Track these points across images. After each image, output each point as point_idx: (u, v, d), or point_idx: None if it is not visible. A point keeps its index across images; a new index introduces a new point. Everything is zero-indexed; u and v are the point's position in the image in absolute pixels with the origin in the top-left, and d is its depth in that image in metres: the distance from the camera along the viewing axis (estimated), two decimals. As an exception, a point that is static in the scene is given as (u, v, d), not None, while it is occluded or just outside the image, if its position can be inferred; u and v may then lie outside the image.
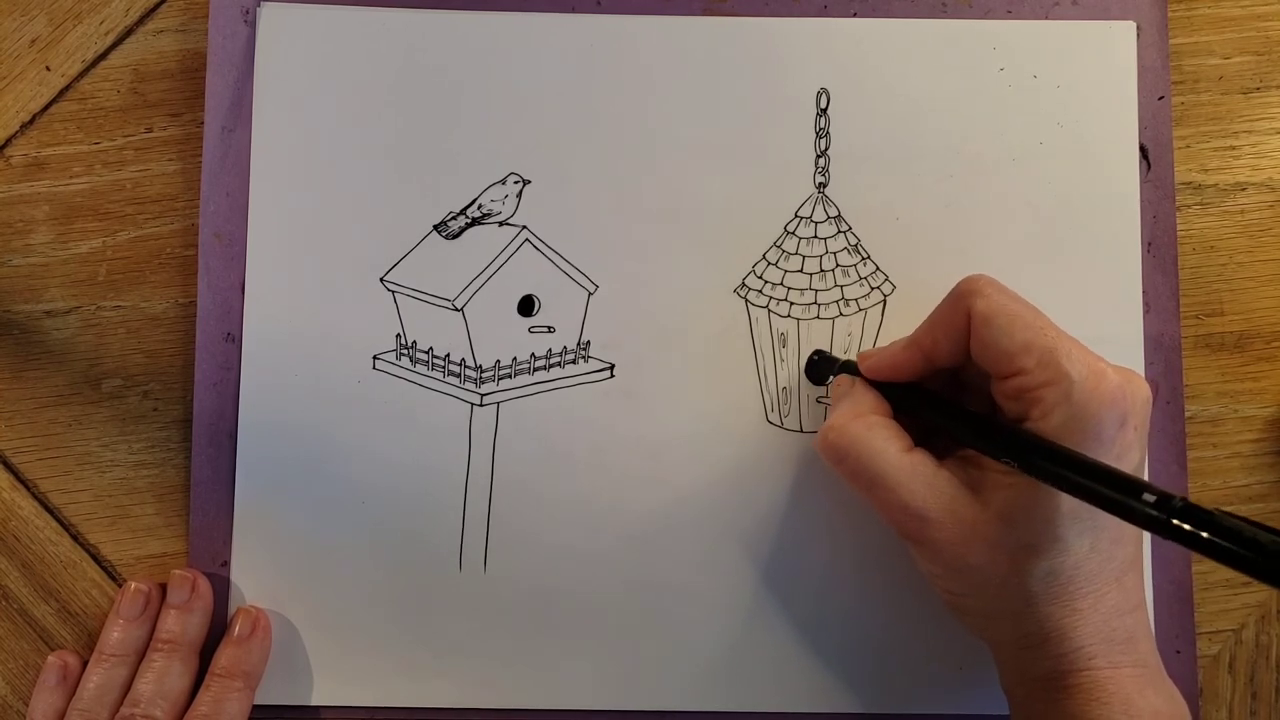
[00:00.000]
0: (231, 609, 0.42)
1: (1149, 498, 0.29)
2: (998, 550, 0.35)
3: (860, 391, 0.39)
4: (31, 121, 0.44)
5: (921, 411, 0.38)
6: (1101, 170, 0.43)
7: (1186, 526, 0.28)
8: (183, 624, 0.41)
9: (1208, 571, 0.42)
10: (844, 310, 0.43)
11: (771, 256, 0.43)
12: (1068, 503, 0.34)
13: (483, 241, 0.43)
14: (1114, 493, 0.30)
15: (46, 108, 0.44)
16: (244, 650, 0.41)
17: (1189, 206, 0.44)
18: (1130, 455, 0.34)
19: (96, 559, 0.43)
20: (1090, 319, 0.42)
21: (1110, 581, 0.35)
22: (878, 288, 0.43)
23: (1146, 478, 0.42)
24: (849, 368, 0.40)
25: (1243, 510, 0.43)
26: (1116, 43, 0.43)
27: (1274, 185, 0.44)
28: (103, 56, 0.44)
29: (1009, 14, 0.44)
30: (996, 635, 0.37)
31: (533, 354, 0.43)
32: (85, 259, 0.44)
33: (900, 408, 0.38)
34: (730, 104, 0.43)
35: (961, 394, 0.39)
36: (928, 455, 0.36)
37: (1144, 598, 0.36)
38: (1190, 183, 0.44)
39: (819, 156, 0.43)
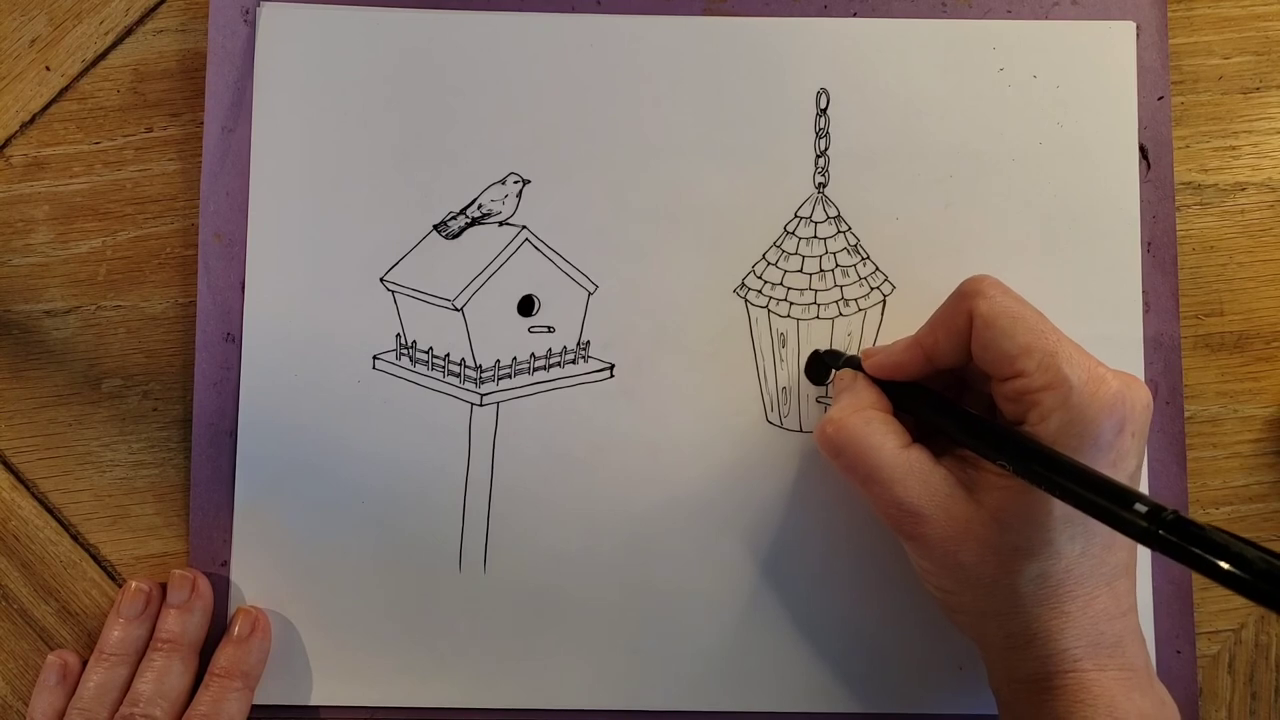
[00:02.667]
0: (231, 609, 0.42)
1: (1140, 508, 0.29)
2: (989, 550, 0.35)
3: (861, 387, 0.39)
4: (31, 121, 0.44)
5: (920, 410, 0.38)
6: (1101, 170, 0.43)
7: (1174, 539, 0.28)
8: (183, 624, 0.41)
9: (1207, 571, 0.42)
10: (843, 310, 0.43)
11: (771, 256, 0.43)
12: (1060, 507, 0.34)
13: (482, 241, 0.43)
14: (1105, 501, 0.30)
15: (46, 108, 0.44)
16: (243, 650, 0.41)
17: (1189, 206, 0.44)
18: (1127, 461, 0.34)
19: (96, 559, 0.43)
20: (1090, 319, 0.42)
21: (1100, 586, 0.35)
22: (877, 288, 0.43)
23: (1146, 479, 0.42)
24: (853, 363, 0.40)
25: (1242, 510, 0.43)
26: (1116, 43, 0.43)
27: (1274, 185, 0.44)
28: (103, 56, 0.44)
29: (1009, 14, 0.44)
30: (985, 635, 0.37)
31: (532, 354, 0.43)
32: (85, 259, 0.44)
33: (900, 405, 0.38)
34: (730, 104, 0.43)
35: (963, 393, 0.39)
36: (925, 452, 0.36)
37: (1135, 603, 0.36)
38: (1190, 183, 0.44)
39: (819, 156, 0.43)
